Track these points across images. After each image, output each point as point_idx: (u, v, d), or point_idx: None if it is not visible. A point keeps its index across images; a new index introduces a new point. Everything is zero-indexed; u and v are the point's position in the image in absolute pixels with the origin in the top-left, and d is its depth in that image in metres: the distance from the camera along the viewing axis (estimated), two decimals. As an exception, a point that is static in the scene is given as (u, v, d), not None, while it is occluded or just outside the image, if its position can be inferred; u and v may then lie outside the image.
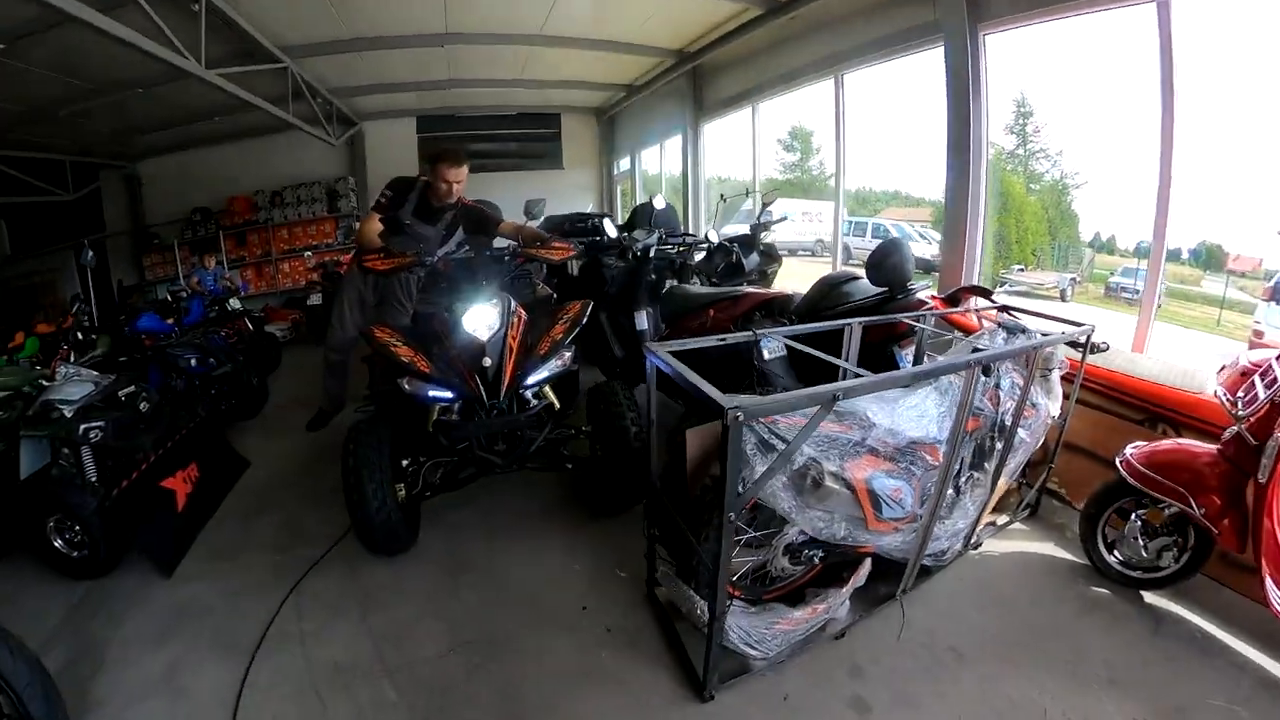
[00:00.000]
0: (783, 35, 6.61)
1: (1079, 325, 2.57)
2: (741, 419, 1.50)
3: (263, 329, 6.31)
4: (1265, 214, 3.53)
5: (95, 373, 2.85)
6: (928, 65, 5.31)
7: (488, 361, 2.47)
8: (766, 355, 2.94)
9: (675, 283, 4.34)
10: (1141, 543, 2.28)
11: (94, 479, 2.60)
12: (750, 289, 3.45)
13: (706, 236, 4.95)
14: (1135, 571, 2.33)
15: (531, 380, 2.56)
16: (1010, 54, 4.42)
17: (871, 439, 2.01)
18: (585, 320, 2.78)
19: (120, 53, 4.17)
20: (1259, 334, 4.04)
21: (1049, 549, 2.64)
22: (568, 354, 2.67)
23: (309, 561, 2.62)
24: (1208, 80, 3.54)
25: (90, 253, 3.86)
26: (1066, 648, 2.03)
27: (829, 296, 3.33)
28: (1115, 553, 2.40)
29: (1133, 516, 2.30)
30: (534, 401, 2.64)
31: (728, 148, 8.71)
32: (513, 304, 2.67)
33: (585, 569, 2.56)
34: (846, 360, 2.59)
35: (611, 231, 4.34)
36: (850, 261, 7.38)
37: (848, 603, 2.21)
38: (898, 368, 2.93)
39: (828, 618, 2.14)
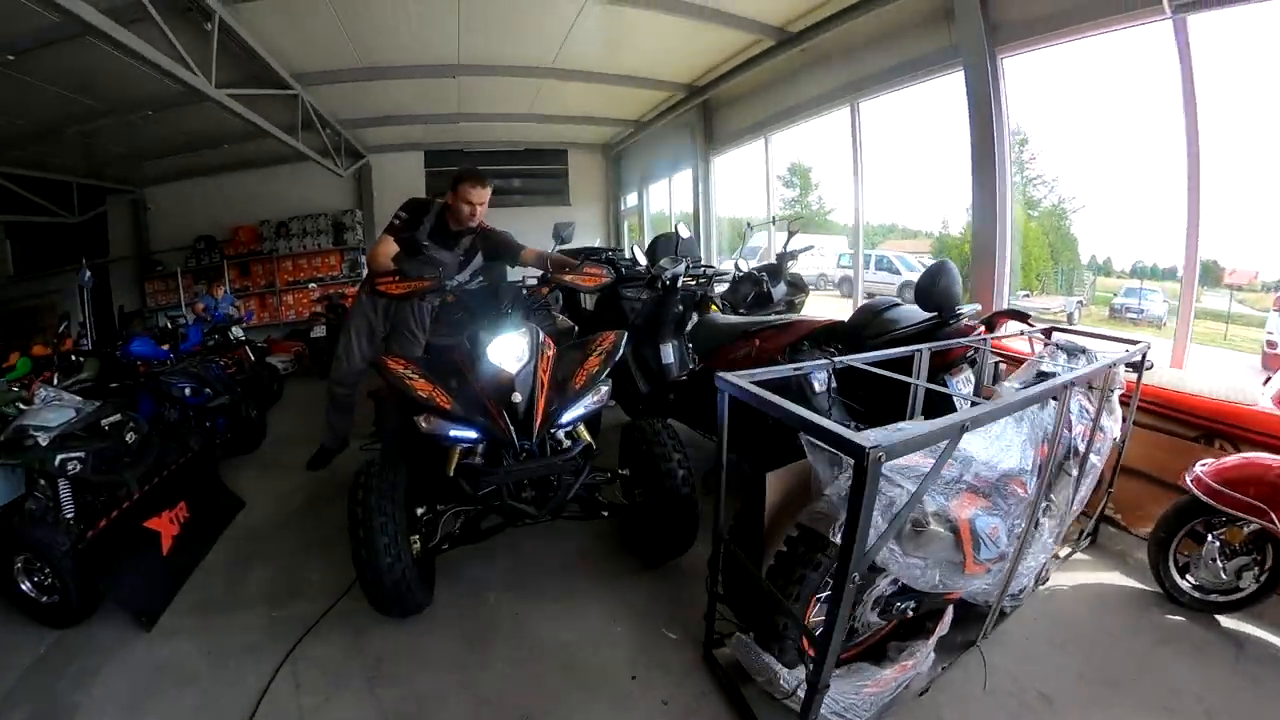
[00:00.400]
0: (795, 66, 6.65)
1: (1134, 343, 2.43)
2: (883, 459, 1.23)
3: (264, 360, 6.06)
4: (1258, 228, 3.62)
5: (78, 398, 2.59)
6: (922, 97, 5.71)
7: (517, 397, 2.17)
8: (817, 388, 2.74)
9: (694, 315, 4.18)
10: (1220, 564, 2.16)
11: (70, 516, 2.32)
12: (800, 316, 3.22)
13: (736, 265, 4.75)
14: (1210, 595, 2.21)
15: (567, 418, 2.27)
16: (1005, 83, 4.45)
17: (969, 475, 1.77)
18: (620, 353, 2.52)
19: (130, 69, 4.06)
20: (1272, 344, 4.12)
21: (1115, 578, 2.50)
22: (604, 389, 2.38)
23: (308, 621, 2.28)
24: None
25: (89, 273, 3.65)
26: (1154, 683, 1.91)
27: (874, 324, 3.12)
28: (1188, 577, 2.27)
29: (1210, 538, 2.18)
30: (567, 442, 2.36)
31: (732, 182, 8.78)
32: (541, 334, 2.41)
33: (628, 630, 2.24)
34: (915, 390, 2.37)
35: (642, 260, 4.13)
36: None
37: (931, 655, 1.96)
38: (951, 397, 2.69)
39: (914, 674, 1.89)
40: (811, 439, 1.57)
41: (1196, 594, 2.24)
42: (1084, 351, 2.36)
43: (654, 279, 3.88)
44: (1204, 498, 2.11)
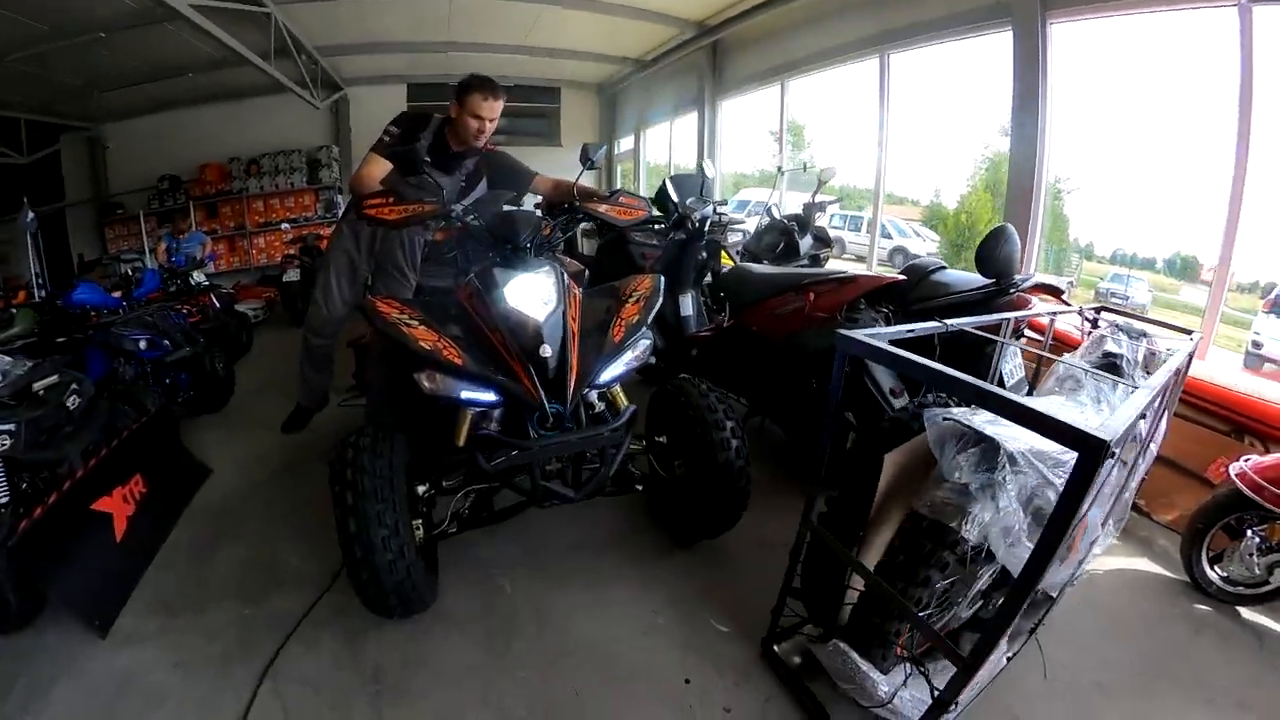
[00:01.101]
0: (821, 10, 6.22)
1: (1184, 330, 2.30)
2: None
3: (232, 307, 5.54)
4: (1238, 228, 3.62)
5: (7, 358, 2.14)
6: (925, 61, 5.66)
7: (546, 350, 1.80)
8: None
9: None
10: (1255, 559, 2.18)
11: (0, 503, 1.91)
12: (859, 272, 2.89)
13: (769, 212, 4.36)
14: (1238, 588, 2.24)
15: (605, 377, 1.91)
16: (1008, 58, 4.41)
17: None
18: (660, 299, 2.15)
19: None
20: (1258, 345, 4.26)
21: (1143, 565, 2.47)
22: (644, 343, 2.02)
23: (288, 620, 1.94)
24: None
25: (31, 214, 3.15)
26: (1191, 672, 1.92)
27: (923, 286, 2.89)
28: (1217, 568, 2.29)
29: (1249, 533, 2.20)
30: (600, 405, 1.99)
31: (734, 131, 8.39)
32: (564, 274, 2.03)
33: (671, 622, 1.97)
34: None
35: (674, 196, 3.72)
36: (845, 256, 7.07)
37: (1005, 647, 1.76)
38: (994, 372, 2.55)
39: (998, 670, 1.68)
40: (944, 415, 1.42)
41: (1225, 586, 2.26)
42: (1145, 335, 2.15)
43: (682, 219, 3.49)
44: (1249, 493, 2.12)
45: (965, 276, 2.86)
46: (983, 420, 1.40)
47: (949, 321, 1.74)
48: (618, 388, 2.01)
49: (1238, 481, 2.17)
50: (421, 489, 1.91)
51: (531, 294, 1.88)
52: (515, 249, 2.02)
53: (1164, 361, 1.95)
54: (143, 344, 3.34)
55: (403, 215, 2.00)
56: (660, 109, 9.36)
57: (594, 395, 1.97)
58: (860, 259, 6.79)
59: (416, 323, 1.84)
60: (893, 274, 2.80)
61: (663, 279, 2.25)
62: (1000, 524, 1.34)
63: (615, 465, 1.92)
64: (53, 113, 7.67)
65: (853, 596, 1.62)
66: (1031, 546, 1.25)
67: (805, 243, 4.42)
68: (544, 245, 2.15)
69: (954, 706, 1.39)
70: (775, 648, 1.82)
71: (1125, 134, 4.70)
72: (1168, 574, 2.39)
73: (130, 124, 8.31)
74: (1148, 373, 1.92)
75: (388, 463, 1.74)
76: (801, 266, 4.22)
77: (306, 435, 3.31)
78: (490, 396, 1.80)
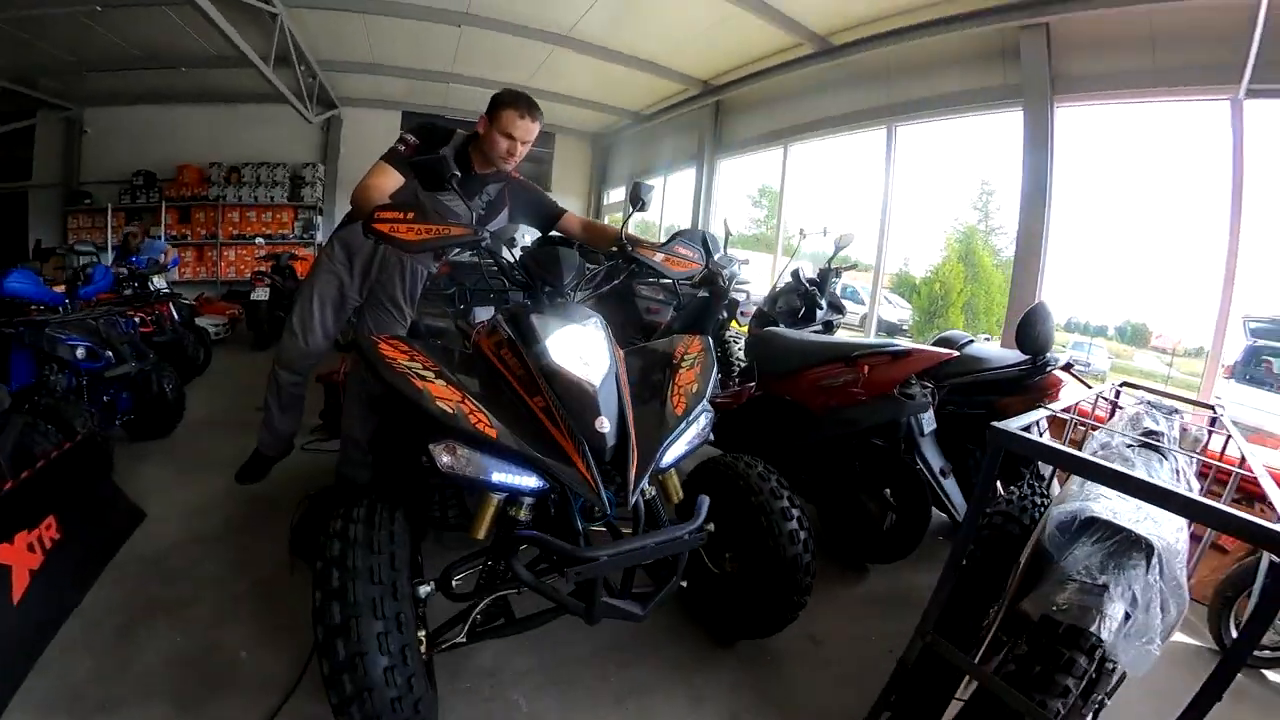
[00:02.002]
0: (827, 79, 6.41)
1: (1208, 405, 2.38)
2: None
3: (192, 321, 5.04)
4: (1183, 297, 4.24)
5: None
6: (911, 137, 5.98)
7: (605, 425, 1.42)
8: (926, 428, 2.48)
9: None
10: None
11: None
12: (917, 346, 2.70)
13: (795, 275, 4.19)
14: (1264, 652, 2.25)
15: (669, 459, 1.55)
16: (978, 136, 5.05)
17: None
18: (715, 366, 1.85)
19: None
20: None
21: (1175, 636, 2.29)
22: (707, 416, 1.67)
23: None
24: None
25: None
26: None
27: (959, 361, 2.77)
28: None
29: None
30: (650, 491, 1.56)
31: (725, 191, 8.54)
32: (608, 329, 1.71)
33: None
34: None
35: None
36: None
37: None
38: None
39: None
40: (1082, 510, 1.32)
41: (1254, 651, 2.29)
42: (1176, 411, 2.22)
43: (712, 276, 3.25)
44: (1277, 560, 1.94)
45: (996, 351, 2.82)
46: (1130, 519, 1.30)
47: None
48: (673, 471, 1.67)
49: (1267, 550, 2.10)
50: (424, 590, 1.46)
51: (578, 351, 1.54)
52: (553, 293, 1.71)
53: (1194, 436, 2.11)
54: (80, 351, 2.84)
55: (423, 237, 1.58)
56: (656, 163, 9.40)
57: (646, 485, 1.58)
58: (852, 328, 6.76)
59: (432, 375, 1.45)
60: (942, 350, 2.62)
61: (709, 340, 1.95)
62: (1135, 625, 1.24)
63: (680, 573, 1.55)
64: (33, 85, 7.21)
65: (954, 709, 1.40)
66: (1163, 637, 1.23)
67: (821, 309, 4.27)
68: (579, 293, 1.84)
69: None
70: None
71: (1080, 210, 5.10)
72: (1194, 641, 2.35)
73: (113, 111, 7.86)
74: (1181, 448, 1.88)
75: (388, 535, 1.38)
76: (816, 333, 4.06)
77: (265, 484, 2.75)
78: (532, 482, 1.40)
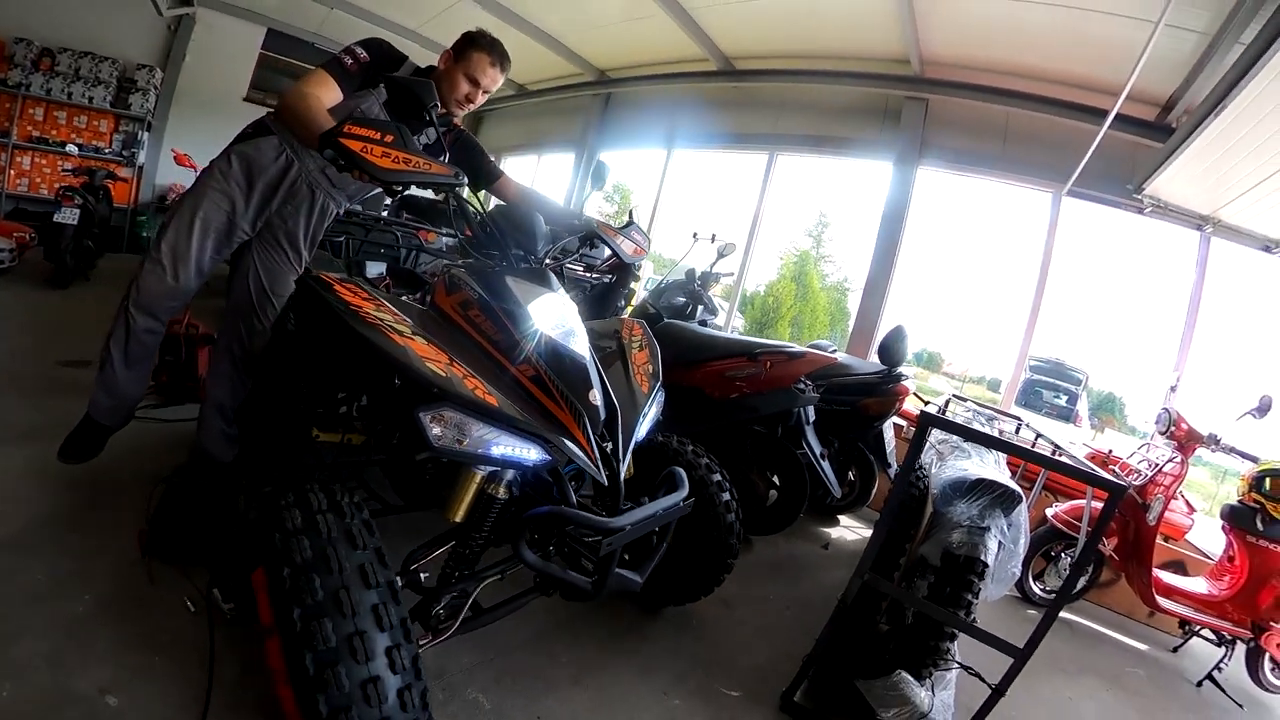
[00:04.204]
0: (722, 97, 6.82)
1: (1014, 416, 3.30)
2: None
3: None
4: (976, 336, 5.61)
5: None
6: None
7: (597, 397, 1.41)
8: (810, 417, 2.93)
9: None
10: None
11: None
12: (807, 349, 3.13)
13: (690, 274, 4.48)
14: (1052, 594, 2.98)
15: (642, 434, 1.60)
16: (824, 172, 5.81)
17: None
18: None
19: None
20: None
21: None
22: (663, 395, 1.77)
23: None
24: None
25: None
26: (1044, 652, 2.44)
27: (831, 366, 3.24)
28: (1039, 584, 3.32)
29: (1064, 555, 3.21)
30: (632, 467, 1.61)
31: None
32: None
33: (686, 700, 1.88)
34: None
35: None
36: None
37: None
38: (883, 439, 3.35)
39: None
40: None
41: (1045, 595, 3.27)
42: (995, 417, 3.20)
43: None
44: (1062, 528, 3.10)
45: (856, 361, 3.31)
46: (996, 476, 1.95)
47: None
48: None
49: (1054, 522, 3.14)
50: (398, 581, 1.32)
51: (560, 321, 1.52)
52: (521, 258, 1.71)
53: (1012, 437, 2.91)
54: None
55: (399, 167, 1.36)
56: (535, 141, 9.38)
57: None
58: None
59: (408, 331, 1.30)
60: (827, 355, 3.08)
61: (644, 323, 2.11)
62: (1006, 550, 1.86)
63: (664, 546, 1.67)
64: None
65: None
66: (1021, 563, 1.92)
67: (700, 309, 4.65)
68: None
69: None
70: (795, 698, 1.91)
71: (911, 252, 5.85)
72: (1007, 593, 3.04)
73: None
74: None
75: (364, 525, 1.21)
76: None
77: (88, 465, 2.11)
78: (534, 455, 1.31)
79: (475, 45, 2.04)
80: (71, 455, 2.13)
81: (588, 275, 4.12)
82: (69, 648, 1.47)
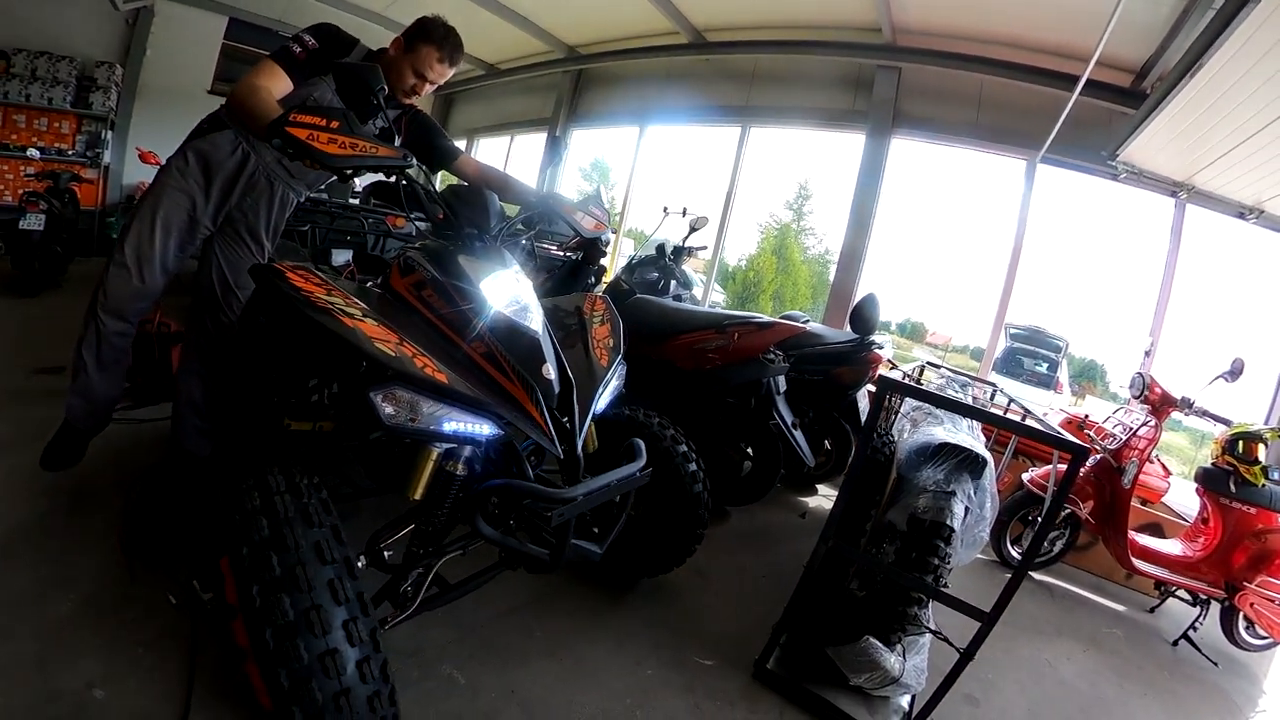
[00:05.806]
0: (692, 71, 6.77)
1: (990, 382, 3.22)
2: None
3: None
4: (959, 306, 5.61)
5: None
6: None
7: (550, 371, 1.44)
8: (782, 387, 2.94)
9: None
10: None
11: None
12: (776, 319, 3.14)
13: (660, 248, 4.46)
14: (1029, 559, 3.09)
15: (601, 406, 1.62)
16: (804, 145, 5.80)
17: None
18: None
19: None
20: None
21: None
22: (623, 369, 1.78)
23: None
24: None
25: None
26: (1021, 616, 2.75)
27: (803, 336, 3.22)
28: (1015, 548, 3.28)
29: (1038, 520, 3.20)
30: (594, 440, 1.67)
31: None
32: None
33: (660, 670, 1.90)
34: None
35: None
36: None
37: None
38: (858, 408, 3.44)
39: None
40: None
41: (1019, 557, 3.14)
42: (969, 384, 3.09)
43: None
44: (1036, 492, 3.10)
45: (828, 330, 3.27)
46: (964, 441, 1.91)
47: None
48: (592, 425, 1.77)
49: (1029, 485, 3.14)
50: (360, 563, 1.37)
51: (513, 296, 1.53)
52: (474, 236, 1.66)
53: (987, 403, 2.85)
54: None
55: (346, 152, 1.36)
56: (506, 123, 9.27)
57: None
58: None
59: (359, 314, 1.30)
60: (796, 324, 3.10)
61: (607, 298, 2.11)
62: (973, 515, 1.87)
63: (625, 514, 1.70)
64: None
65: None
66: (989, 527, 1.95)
67: (673, 283, 4.64)
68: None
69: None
70: (768, 665, 1.94)
71: (891, 223, 6.06)
72: (982, 557, 3.16)
73: None
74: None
75: (320, 504, 1.24)
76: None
77: (60, 472, 2.14)
78: (487, 430, 1.34)
79: (426, 38, 2.00)
80: (53, 463, 2.14)
81: (561, 254, 4.12)
82: (54, 647, 1.51)
